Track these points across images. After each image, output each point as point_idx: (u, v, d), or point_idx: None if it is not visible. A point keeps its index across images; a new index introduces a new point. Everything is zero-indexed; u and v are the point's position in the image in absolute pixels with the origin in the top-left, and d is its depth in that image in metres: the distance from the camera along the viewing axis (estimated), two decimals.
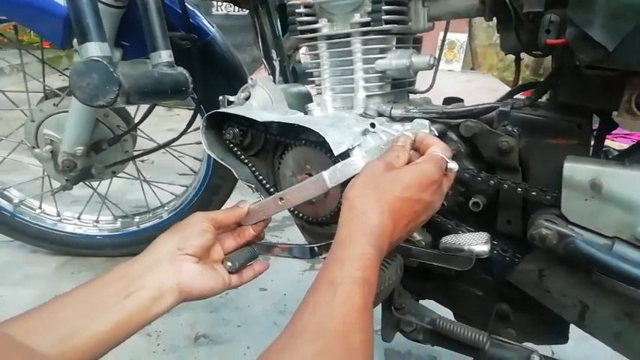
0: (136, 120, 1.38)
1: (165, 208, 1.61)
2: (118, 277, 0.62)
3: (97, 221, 1.63)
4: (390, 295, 0.84)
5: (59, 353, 0.52)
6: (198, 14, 1.26)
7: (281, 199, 0.75)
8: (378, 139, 0.79)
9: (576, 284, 0.70)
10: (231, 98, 0.89)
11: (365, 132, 0.79)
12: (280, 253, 0.81)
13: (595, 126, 0.78)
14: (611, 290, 0.66)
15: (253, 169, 0.87)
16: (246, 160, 0.87)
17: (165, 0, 1.07)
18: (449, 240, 0.68)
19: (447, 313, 0.89)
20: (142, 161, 1.51)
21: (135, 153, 1.44)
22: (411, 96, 1.02)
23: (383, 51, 0.84)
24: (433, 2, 0.85)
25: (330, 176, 0.71)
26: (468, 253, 0.66)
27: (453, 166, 0.66)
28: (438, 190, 0.63)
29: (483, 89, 3.55)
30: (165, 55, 0.88)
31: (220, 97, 0.90)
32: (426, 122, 0.77)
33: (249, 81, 0.89)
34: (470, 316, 0.88)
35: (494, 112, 0.78)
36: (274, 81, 1.04)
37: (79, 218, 1.62)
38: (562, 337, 0.81)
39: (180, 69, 0.91)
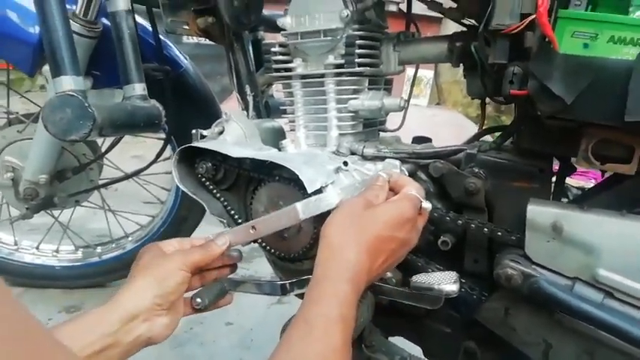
0: (103, 148, 1.36)
1: (130, 238, 1.58)
2: (93, 323, 0.59)
3: (56, 251, 1.57)
4: (361, 333, 0.84)
5: None
6: (171, 45, 1.27)
7: (253, 227, 0.74)
8: (351, 177, 0.81)
9: (540, 323, 0.72)
10: (205, 132, 0.89)
11: (338, 170, 0.81)
12: (250, 289, 0.80)
13: (556, 168, 0.83)
14: (573, 329, 0.69)
15: (225, 203, 0.87)
16: (218, 195, 0.87)
17: (139, 32, 1.08)
18: (419, 279, 0.69)
19: (417, 351, 0.90)
20: (106, 189, 1.47)
21: (100, 182, 1.41)
22: (382, 134, 1.05)
23: (356, 92, 0.87)
24: (404, 47, 0.88)
25: (303, 208, 0.71)
26: (437, 292, 0.67)
27: (427, 205, 0.68)
28: (414, 228, 0.65)
29: (449, 124, 3.66)
30: (138, 88, 0.88)
31: (193, 131, 0.90)
32: (397, 162, 0.79)
33: (223, 116, 0.90)
34: (439, 354, 0.89)
35: (462, 154, 0.81)
36: (247, 115, 1.05)
37: (37, 248, 1.56)
38: None
39: (154, 102, 0.91)
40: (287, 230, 0.80)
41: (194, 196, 0.86)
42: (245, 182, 0.88)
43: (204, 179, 0.87)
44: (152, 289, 0.63)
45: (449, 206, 0.83)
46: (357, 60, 0.83)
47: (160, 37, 1.24)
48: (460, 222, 0.77)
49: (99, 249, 1.58)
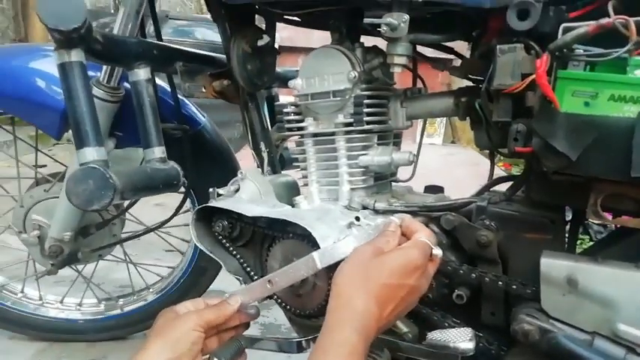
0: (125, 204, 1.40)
1: (151, 289, 1.59)
2: None
3: (80, 304, 1.60)
4: None
5: None
6: (189, 103, 1.32)
7: (269, 282, 0.75)
8: (363, 232, 0.82)
9: None
10: (221, 191, 0.92)
11: (350, 225, 0.82)
12: (267, 346, 0.81)
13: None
14: None
15: (241, 260, 0.89)
16: (234, 252, 0.89)
17: (159, 93, 1.14)
18: (434, 336, 0.69)
19: None
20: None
21: (123, 236, 1.44)
22: (394, 184, 1.07)
23: (365, 148, 0.89)
24: (411, 103, 0.91)
25: (320, 257, 0.71)
26: (452, 350, 0.67)
27: (438, 252, 0.68)
28: (424, 275, 0.65)
29: (465, 163, 3.67)
30: (158, 152, 0.92)
31: (210, 190, 0.93)
32: (408, 216, 0.80)
33: (239, 174, 0.93)
34: None
35: (473, 206, 0.82)
36: (263, 171, 1.08)
37: (61, 302, 1.59)
38: None
39: (172, 163, 0.95)
40: (302, 287, 0.81)
41: (211, 255, 0.88)
42: (260, 239, 0.90)
43: (220, 237, 0.89)
44: (165, 352, 0.64)
45: (463, 258, 0.83)
46: (365, 118, 0.86)
47: (182, 98, 1.30)
48: (474, 275, 0.77)
49: (121, 301, 1.60)
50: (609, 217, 0.65)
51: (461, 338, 0.67)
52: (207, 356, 0.73)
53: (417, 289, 0.65)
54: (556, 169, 0.63)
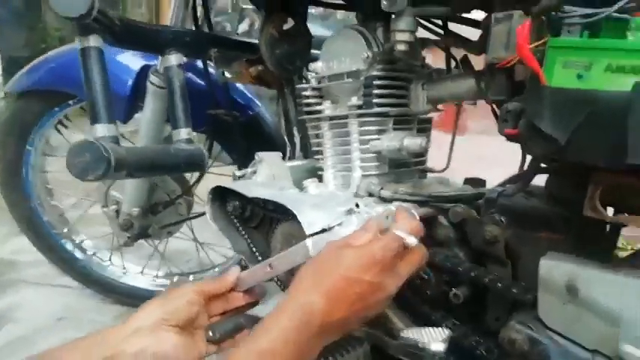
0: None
1: (217, 269, 1.69)
2: (98, 340, 0.64)
3: (156, 276, 1.75)
4: None
5: None
6: (244, 91, 1.37)
7: (270, 265, 0.76)
8: (361, 220, 0.78)
9: None
10: (238, 173, 0.94)
11: (350, 212, 0.79)
12: None
13: None
14: None
15: (249, 241, 0.90)
16: (243, 233, 0.91)
17: (212, 80, 1.20)
18: (408, 334, 0.64)
19: None
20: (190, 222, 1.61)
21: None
22: (430, 175, 1.00)
23: (380, 132, 0.85)
24: (432, 86, 0.85)
25: (313, 245, 0.70)
26: (422, 351, 0.61)
27: (411, 241, 0.61)
28: (387, 272, 0.59)
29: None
30: (184, 133, 0.97)
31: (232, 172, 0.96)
32: (409, 206, 0.75)
33: (256, 157, 0.94)
34: None
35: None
36: (294, 156, 1.08)
37: (141, 272, 1.76)
38: None
39: (199, 145, 1.00)
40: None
41: (222, 233, 0.91)
42: (268, 222, 0.91)
43: (233, 217, 0.91)
44: (161, 306, 0.68)
45: (471, 255, 0.75)
46: (375, 101, 0.82)
47: (236, 84, 1.36)
48: (473, 274, 0.69)
49: (191, 277, 1.73)
50: (609, 213, 0.53)
51: (434, 338, 0.61)
52: (204, 327, 0.75)
53: (379, 287, 0.59)
54: (543, 154, 0.54)
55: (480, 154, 2.75)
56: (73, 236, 1.72)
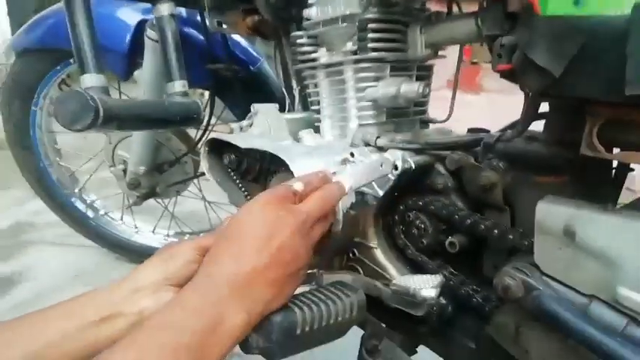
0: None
1: None
2: (93, 299, 0.61)
3: (167, 235, 1.78)
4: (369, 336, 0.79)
5: None
6: (245, 45, 1.33)
7: None
8: (356, 169, 0.76)
9: (554, 347, 0.59)
10: (233, 125, 0.93)
11: (344, 161, 0.77)
12: None
13: None
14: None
15: (246, 194, 0.89)
16: (241, 186, 0.90)
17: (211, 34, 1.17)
18: (400, 281, 0.63)
19: None
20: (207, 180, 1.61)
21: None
22: (431, 126, 0.97)
23: (377, 79, 0.82)
24: (430, 29, 0.80)
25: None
26: (413, 297, 0.60)
27: (297, 186, 0.58)
28: (280, 209, 0.55)
29: None
30: (178, 86, 0.95)
31: (229, 125, 0.94)
32: (399, 153, 0.72)
33: (252, 109, 0.92)
34: None
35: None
36: (293, 108, 1.06)
37: (153, 231, 1.78)
38: None
39: (194, 99, 0.98)
40: None
41: (219, 186, 0.90)
42: (265, 174, 0.89)
43: (229, 170, 0.90)
44: (161, 265, 0.64)
45: (469, 203, 0.73)
46: (370, 45, 0.78)
47: (233, 37, 1.32)
48: (469, 222, 0.67)
49: (201, 235, 1.74)
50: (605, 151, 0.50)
51: (425, 284, 0.60)
52: None
53: (279, 223, 0.54)
54: (538, 89, 0.50)
55: (495, 111, 2.69)
56: (85, 196, 1.74)
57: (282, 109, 1.05)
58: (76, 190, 1.72)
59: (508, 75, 0.54)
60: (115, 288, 0.62)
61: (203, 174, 1.52)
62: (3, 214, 2.28)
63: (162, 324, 0.48)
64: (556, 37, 0.48)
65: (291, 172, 0.80)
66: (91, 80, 0.76)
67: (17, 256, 1.90)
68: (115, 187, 1.57)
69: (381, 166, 0.70)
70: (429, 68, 0.89)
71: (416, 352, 0.86)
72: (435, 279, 0.61)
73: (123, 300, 0.60)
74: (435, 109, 0.96)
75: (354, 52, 0.81)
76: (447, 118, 0.94)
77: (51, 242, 1.99)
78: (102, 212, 1.75)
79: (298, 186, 0.59)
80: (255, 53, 1.35)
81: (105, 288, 0.62)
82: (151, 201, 1.62)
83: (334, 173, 0.72)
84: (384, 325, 0.84)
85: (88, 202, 1.74)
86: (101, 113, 0.70)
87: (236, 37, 1.34)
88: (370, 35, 0.78)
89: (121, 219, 1.78)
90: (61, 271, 1.77)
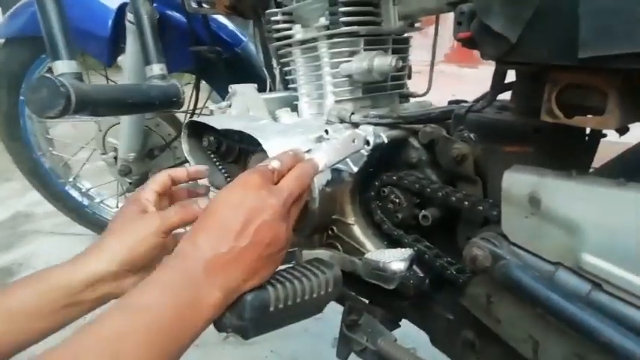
0: None
1: None
2: (55, 284, 0.60)
3: None
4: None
5: None
6: (227, 26, 1.32)
7: None
8: (331, 146, 0.76)
9: (523, 315, 0.59)
10: (212, 107, 0.92)
11: (320, 138, 0.77)
12: None
13: None
14: (558, 326, 0.55)
15: (226, 175, 0.90)
16: (220, 167, 0.90)
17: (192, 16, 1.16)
18: (371, 255, 0.63)
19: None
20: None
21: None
22: (413, 100, 0.97)
23: (351, 54, 0.81)
24: (402, 0, 0.79)
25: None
26: (384, 271, 0.60)
27: (274, 164, 0.58)
28: (260, 189, 0.55)
29: None
30: (156, 69, 0.94)
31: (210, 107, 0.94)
32: (370, 128, 0.72)
33: (230, 90, 0.92)
34: (443, 342, 0.79)
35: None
36: (274, 88, 1.05)
37: None
38: None
39: (173, 81, 0.97)
40: None
41: None
42: (244, 155, 0.89)
43: (209, 152, 0.90)
44: (122, 253, 0.62)
45: (443, 177, 0.73)
46: (342, 19, 0.78)
47: (216, 19, 1.31)
48: (440, 194, 0.67)
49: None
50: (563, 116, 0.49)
51: (395, 258, 0.60)
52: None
53: (259, 205, 0.53)
54: (496, 55, 0.50)
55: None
56: (79, 184, 1.75)
57: (265, 90, 1.04)
58: (70, 179, 1.73)
59: (468, 43, 0.54)
60: (70, 274, 0.60)
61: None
62: (2, 206, 2.30)
63: (135, 306, 0.47)
64: (510, 1, 0.47)
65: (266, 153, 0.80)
66: (63, 67, 0.76)
67: (16, 246, 1.92)
68: (108, 175, 1.59)
69: (354, 141, 0.70)
70: (406, 41, 0.88)
71: (399, 325, 0.87)
72: (405, 252, 0.61)
73: (82, 290, 0.59)
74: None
75: (327, 27, 0.80)
76: (427, 92, 0.93)
77: (50, 232, 2.02)
78: (97, 200, 1.77)
79: (275, 163, 0.59)
80: (239, 34, 1.34)
81: (56, 273, 0.60)
82: None
83: (308, 151, 0.71)
84: (366, 301, 0.85)
85: (83, 190, 1.75)
86: (73, 99, 0.70)
87: (221, 18, 1.33)
88: (342, 9, 0.77)
89: (117, 206, 1.79)
90: (60, 259, 1.78)
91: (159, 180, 0.71)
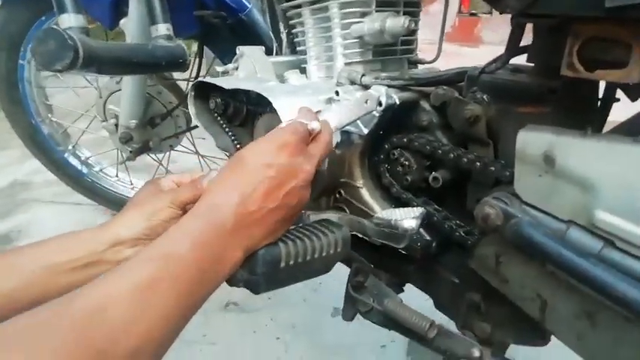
0: None
1: None
2: (80, 243, 0.61)
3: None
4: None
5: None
6: None
7: None
8: (342, 107, 0.76)
9: (532, 274, 0.60)
10: (219, 69, 0.91)
11: (330, 100, 0.76)
12: None
13: None
14: (568, 284, 0.56)
15: (233, 138, 0.89)
16: (227, 129, 0.89)
17: None
18: (382, 214, 0.63)
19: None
20: (204, 139, 1.60)
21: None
22: (421, 67, 0.96)
23: (363, 15, 0.80)
24: None
25: None
26: (395, 229, 0.60)
27: (315, 125, 0.59)
28: (297, 154, 0.55)
29: None
30: (162, 29, 0.93)
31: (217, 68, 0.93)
32: (383, 89, 0.71)
33: (237, 51, 0.91)
34: (447, 306, 0.80)
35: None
36: (281, 53, 1.04)
37: None
38: (540, 338, 0.70)
39: (179, 42, 0.96)
40: None
41: (206, 130, 0.90)
42: (251, 118, 0.89)
43: (216, 114, 0.89)
44: (141, 221, 0.63)
45: (455, 139, 0.73)
46: None
47: None
48: (452, 156, 0.67)
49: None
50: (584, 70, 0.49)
51: (407, 216, 0.60)
52: None
53: (292, 168, 0.54)
54: (520, 7, 0.49)
55: None
56: (79, 153, 1.74)
57: (271, 55, 1.03)
58: (70, 147, 1.72)
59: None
60: (95, 236, 0.61)
61: (196, 127, 1.52)
62: (1, 174, 2.28)
63: (166, 255, 0.46)
64: None
65: (276, 113, 0.79)
66: (69, 20, 0.74)
67: (15, 214, 1.91)
68: (108, 144, 1.57)
69: (366, 102, 0.69)
70: (417, 4, 0.87)
71: (402, 290, 0.87)
72: (417, 210, 0.61)
73: (105, 250, 0.60)
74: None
75: None
76: (436, 58, 0.92)
77: (49, 201, 2.00)
78: (96, 169, 1.75)
79: (315, 125, 0.59)
80: (244, 0, 1.31)
81: (83, 234, 0.61)
82: (147, 158, 1.62)
83: (319, 112, 0.71)
84: (371, 265, 0.85)
85: (82, 158, 1.74)
86: (81, 53, 0.68)
87: None
88: None
89: (116, 175, 1.78)
90: (58, 228, 1.79)
91: (179, 176, 0.71)
